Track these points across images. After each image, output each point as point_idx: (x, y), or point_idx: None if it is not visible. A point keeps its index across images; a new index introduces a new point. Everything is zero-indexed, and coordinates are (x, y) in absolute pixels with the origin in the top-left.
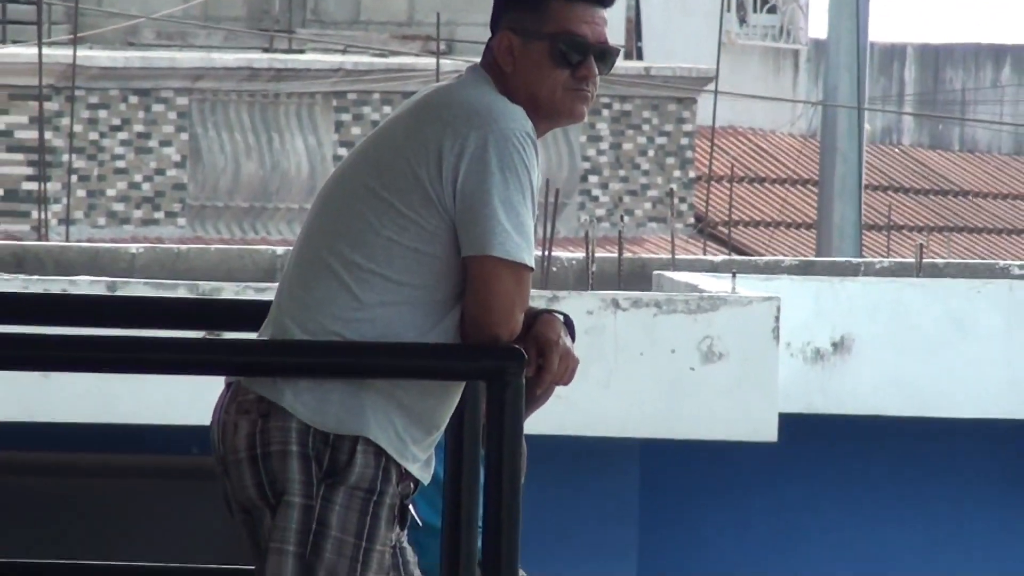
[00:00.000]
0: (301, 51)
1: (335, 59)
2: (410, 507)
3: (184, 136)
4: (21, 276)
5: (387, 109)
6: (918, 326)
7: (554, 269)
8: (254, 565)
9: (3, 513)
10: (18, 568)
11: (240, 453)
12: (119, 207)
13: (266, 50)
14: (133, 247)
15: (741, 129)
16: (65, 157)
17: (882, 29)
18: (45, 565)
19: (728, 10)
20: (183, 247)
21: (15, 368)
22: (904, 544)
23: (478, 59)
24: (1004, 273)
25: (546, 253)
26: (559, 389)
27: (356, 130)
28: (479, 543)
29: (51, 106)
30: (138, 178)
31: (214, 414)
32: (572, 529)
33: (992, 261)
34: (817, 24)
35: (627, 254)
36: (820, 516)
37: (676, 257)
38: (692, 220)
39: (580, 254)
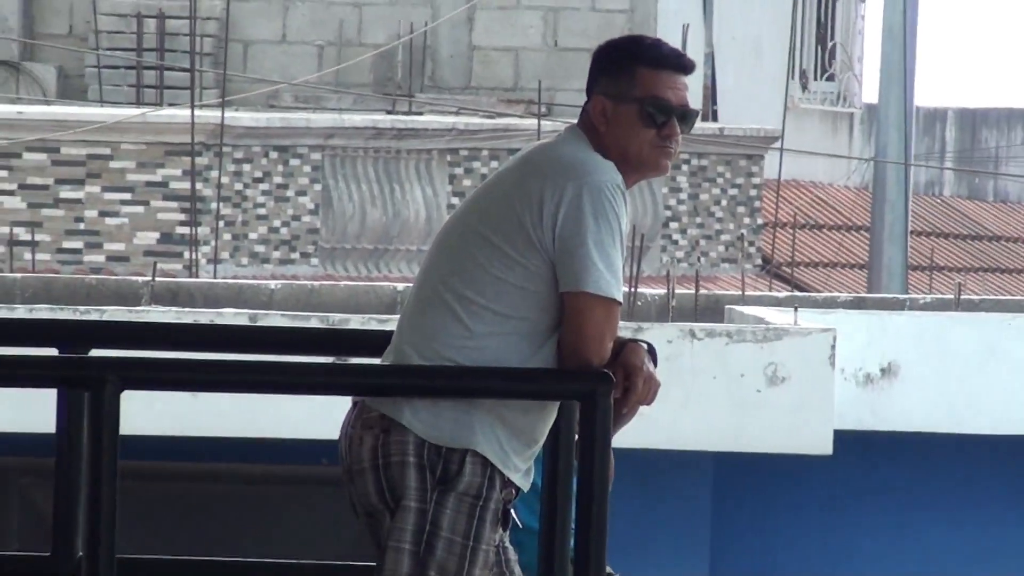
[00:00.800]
0: (420, 113)
1: (449, 120)
2: (512, 511)
3: (317, 187)
4: (175, 308)
5: (494, 164)
6: (957, 354)
7: (639, 303)
8: (375, 562)
9: (159, 515)
10: (175, 564)
11: (364, 463)
12: (260, 248)
13: (389, 112)
14: (272, 283)
15: (803, 182)
16: (213, 205)
17: (926, 95)
18: (196, 562)
19: (792, 78)
20: (316, 283)
21: (171, 389)
22: (943, 545)
23: (575, 120)
24: None
25: (632, 289)
26: (643, 408)
27: (467, 182)
28: (572, 543)
29: (201, 161)
30: (277, 223)
31: (342, 429)
32: (653, 530)
33: (1022, 298)
34: (869, 91)
35: (703, 291)
36: (870, 520)
37: (745, 293)
38: (760, 261)
39: (662, 290)
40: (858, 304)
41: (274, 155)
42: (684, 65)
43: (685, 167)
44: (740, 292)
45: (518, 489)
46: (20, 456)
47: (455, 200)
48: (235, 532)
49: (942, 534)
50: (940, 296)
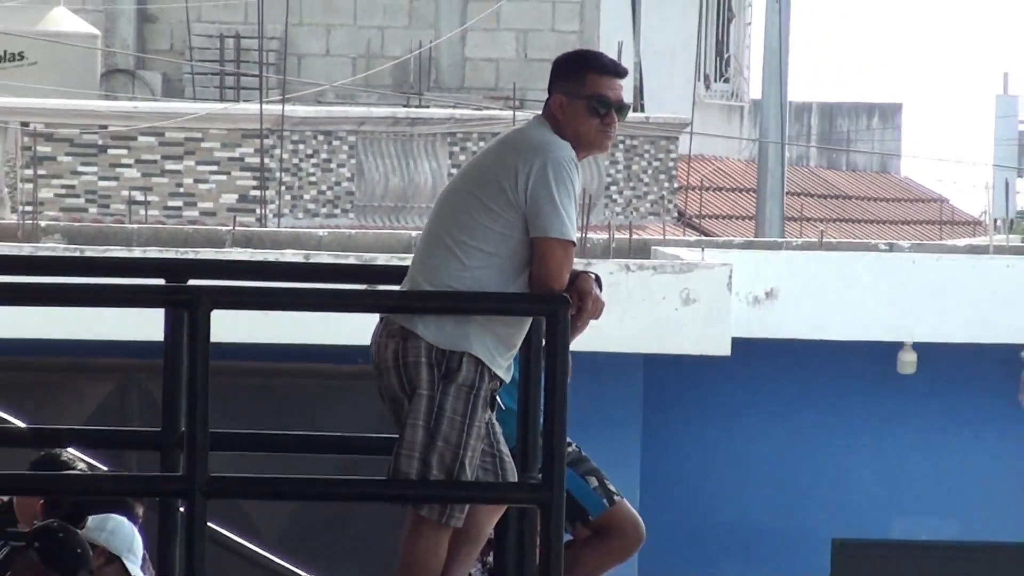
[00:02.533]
0: (427, 107)
1: (448, 112)
2: (497, 397)
3: (353, 161)
4: (250, 250)
5: (482, 144)
6: (821, 281)
7: (588, 245)
8: (397, 435)
9: (239, 402)
10: (250, 436)
11: (388, 362)
12: (311, 206)
13: (405, 105)
14: (321, 231)
15: (707, 156)
16: (277, 174)
17: (797, 92)
18: (265, 434)
19: (698, 80)
20: (352, 231)
21: (248, 308)
22: (812, 423)
23: (540, 112)
24: (875, 248)
25: (583, 235)
26: (592, 322)
27: (462, 157)
28: (541, 419)
29: (268, 142)
30: (324, 188)
31: (372, 337)
32: (599, 412)
33: (867, 240)
34: (755, 89)
35: (635, 236)
36: (756, 403)
37: (666, 238)
38: (676, 214)
39: (604, 235)
40: (748, 245)
41: (320, 138)
42: (620, 71)
43: (621, 145)
44: (662, 237)
45: (502, 380)
46: (139, 358)
47: (453, 170)
48: (293, 414)
49: (811, 414)
50: (808, 240)
